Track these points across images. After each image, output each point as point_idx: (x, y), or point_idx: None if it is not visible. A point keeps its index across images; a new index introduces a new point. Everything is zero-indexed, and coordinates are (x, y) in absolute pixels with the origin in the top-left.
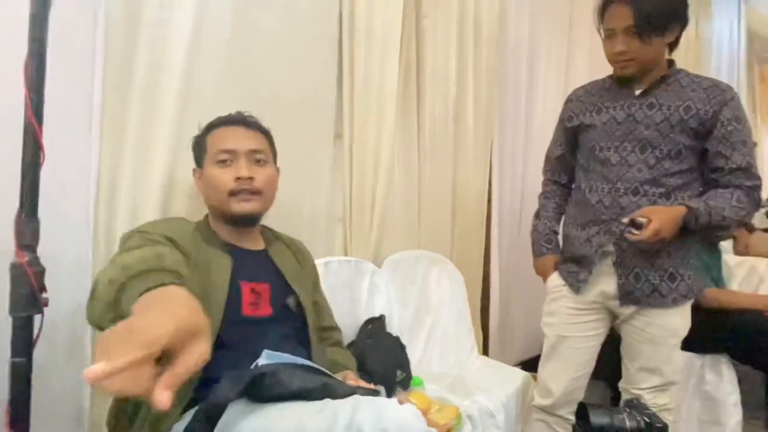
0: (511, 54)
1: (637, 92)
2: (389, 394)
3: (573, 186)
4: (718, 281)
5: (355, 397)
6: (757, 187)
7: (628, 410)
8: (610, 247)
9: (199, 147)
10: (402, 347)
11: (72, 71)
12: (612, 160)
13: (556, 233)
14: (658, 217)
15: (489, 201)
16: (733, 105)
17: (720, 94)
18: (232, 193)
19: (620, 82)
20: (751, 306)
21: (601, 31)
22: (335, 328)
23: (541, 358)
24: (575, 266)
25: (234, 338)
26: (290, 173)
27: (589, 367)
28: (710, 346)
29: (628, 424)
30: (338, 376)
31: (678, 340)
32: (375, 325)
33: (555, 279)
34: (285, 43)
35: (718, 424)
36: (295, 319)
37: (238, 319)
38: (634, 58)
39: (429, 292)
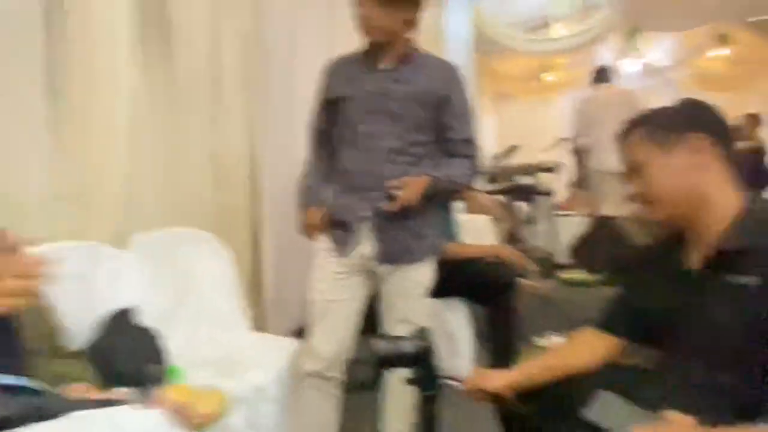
0: (270, 22)
1: (386, 67)
2: (144, 395)
3: (335, 157)
4: (452, 236)
5: (80, 414)
6: (478, 156)
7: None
8: (367, 213)
9: None
10: (153, 339)
11: None
12: (367, 130)
13: (323, 191)
14: (407, 189)
15: (254, 170)
16: (461, 82)
17: (451, 72)
18: None
19: (369, 56)
20: (477, 254)
21: None
22: (60, 335)
23: (310, 324)
24: (339, 232)
25: None
26: None
27: (356, 326)
28: (449, 292)
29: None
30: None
31: (424, 290)
32: (119, 319)
33: (321, 244)
34: None
35: (458, 356)
36: (6, 326)
37: None
38: (377, 26)
39: (192, 272)
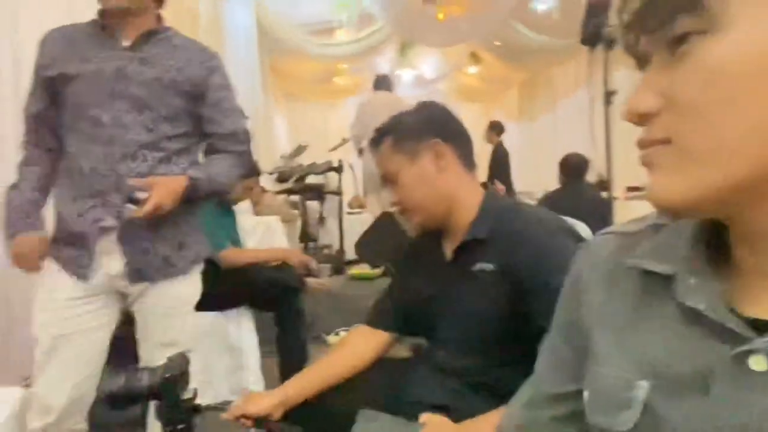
0: None
1: (126, 44)
2: None
3: (62, 151)
4: (234, 241)
5: None
6: (246, 152)
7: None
8: (111, 222)
9: None
10: None
11: None
12: (104, 119)
13: (40, 206)
14: (158, 191)
15: None
16: (222, 72)
17: (210, 59)
18: None
19: (105, 29)
20: (260, 259)
21: None
22: None
23: (35, 368)
24: (72, 249)
25: None
26: None
27: (100, 361)
28: (232, 302)
29: (146, 380)
30: None
31: (190, 307)
32: None
33: (46, 266)
34: None
35: (244, 369)
36: None
37: None
38: None
39: None
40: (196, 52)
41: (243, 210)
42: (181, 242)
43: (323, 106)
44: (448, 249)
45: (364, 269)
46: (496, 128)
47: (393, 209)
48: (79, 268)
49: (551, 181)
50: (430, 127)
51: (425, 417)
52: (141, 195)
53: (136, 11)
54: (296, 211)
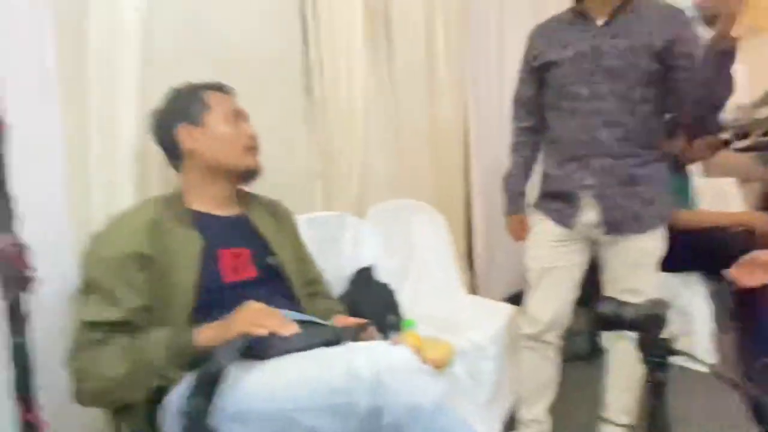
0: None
1: (599, 23)
2: (384, 338)
3: (545, 127)
4: (689, 203)
5: (351, 344)
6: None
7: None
8: (590, 180)
9: (196, 103)
10: (391, 293)
11: (23, 40)
12: (583, 94)
13: (522, 194)
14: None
15: (466, 144)
16: (691, 27)
17: (678, 16)
18: (248, 149)
19: (581, 13)
20: (719, 223)
21: None
22: (321, 281)
23: (527, 289)
24: (559, 203)
25: (221, 304)
26: (263, 134)
27: (574, 294)
28: (684, 265)
29: (632, 312)
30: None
31: (655, 261)
32: (363, 275)
33: (536, 213)
34: (242, 1)
35: (692, 334)
36: (280, 277)
37: (219, 286)
38: None
39: (413, 239)
40: (663, 13)
41: (692, 171)
42: (647, 199)
43: None
44: None
45: None
46: None
47: None
48: (564, 218)
49: None
50: None
51: None
52: None
53: None
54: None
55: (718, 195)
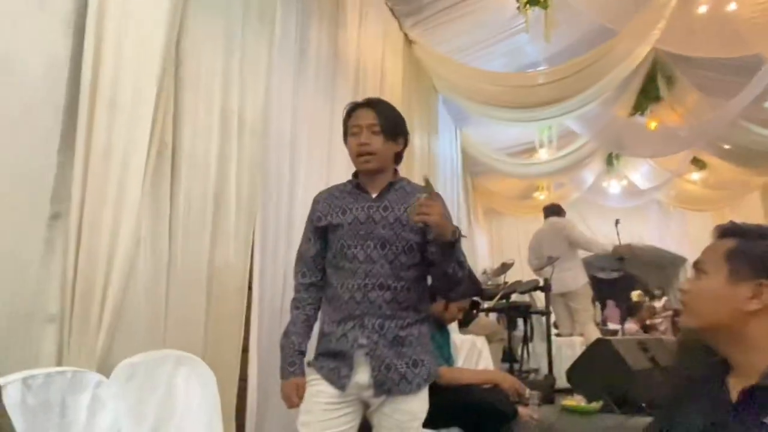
0: (274, 147)
1: (374, 195)
2: None
3: (327, 284)
4: (448, 360)
5: None
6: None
7: None
8: (363, 340)
9: None
10: None
11: None
12: (359, 257)
13: (303, 354)
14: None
15: (249, 295)
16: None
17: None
18: None
19: (359, 187)
20: (474, 381)
21: (349, 129)
22: None
23: None
24: (333, 362)
25: None
26: None
27: None
28: (444, 422)
29: None
30: None
31: (419, 423)
32: None
33: (310, 374)
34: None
35: None
36: None
37: None
38: (375, 153)
39: (174, 398)
40: (415, 192)
41: (452, 328)
42: (414, 360)
43: (524, 222)
44: (734, 389)
45: (578, 401)
46: None
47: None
48: (340, 380)
49: None
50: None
51: None
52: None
53: (382, 170)
54: (504, 329)
55: (473, 349)
